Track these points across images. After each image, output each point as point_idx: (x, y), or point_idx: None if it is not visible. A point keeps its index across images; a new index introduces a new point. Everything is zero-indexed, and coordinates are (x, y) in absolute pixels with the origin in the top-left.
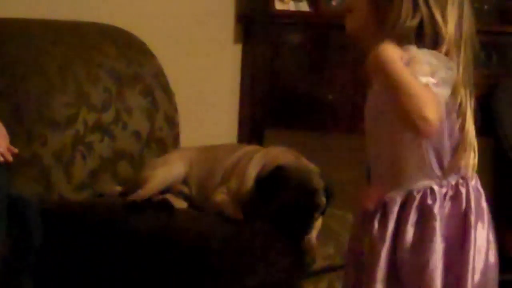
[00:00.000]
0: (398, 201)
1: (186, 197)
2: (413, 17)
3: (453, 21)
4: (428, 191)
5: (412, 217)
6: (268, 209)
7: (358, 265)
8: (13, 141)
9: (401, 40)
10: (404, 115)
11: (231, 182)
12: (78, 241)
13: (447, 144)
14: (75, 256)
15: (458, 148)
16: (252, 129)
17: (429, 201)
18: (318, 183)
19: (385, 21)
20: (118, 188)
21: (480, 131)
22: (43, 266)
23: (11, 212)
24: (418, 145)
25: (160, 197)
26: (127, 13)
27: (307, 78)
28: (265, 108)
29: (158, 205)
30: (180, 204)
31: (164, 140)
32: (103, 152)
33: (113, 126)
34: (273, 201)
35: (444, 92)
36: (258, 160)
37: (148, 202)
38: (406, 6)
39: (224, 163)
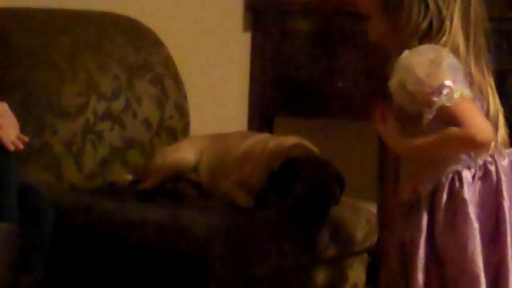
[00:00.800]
0: (429, 189)
1: (196, 185)
2: (424, 18)
3: (460, 11)
4: (456, 176)
5: (444, 204)
6: (282, 203)
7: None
8: (23, 130)
9: (415, 40)
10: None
11: (242, 171)
12: (89, 230)
13: None
14: (85, 245)
15: None
16: (262, 117)
17: (457, 185)
18: (331, 173)
19: (398, 26)
20: (129, 177)
21: None
22: (54, 255)
23: (22, 202)
24: None
25: (171, 185)
26: (137, 2)
27: (317, 66)
28: (275, 96)
29: (169, 194)
30: (190, 192)
31: (174, 128)
32: (114, 140)
33: (123, 114)
34: (287, 195)
35: (467, 91)
36: (270, 150)
37: (159, 191)
38: (417, 9)
39: (235, 151)
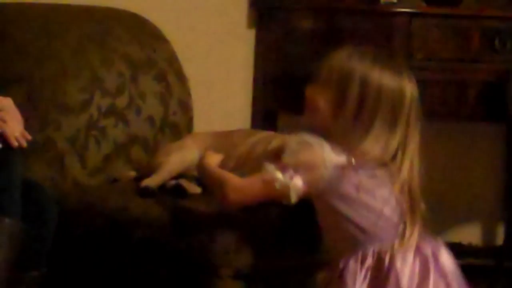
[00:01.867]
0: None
1: (200, 183)
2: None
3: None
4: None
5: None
6: None
7: None
8: (27, 125)
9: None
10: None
11: (246, 168)
12: (92, 226)
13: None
14: (88, 241)
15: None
16: (266, 114)
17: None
18: None
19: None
20: (132, 173)
21: (494, 117)
22: (57, 251)
23: (25, 197)
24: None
25: (174, 182)
26: None
27: (320, 64)
28: (279, 93)
29: (172, 190)
30: (194, 189)
31: (177, 125)
32: (117, 137)
33: (127, 111)
34: None
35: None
36: (272, 148)
37: (162, 187)
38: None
39: (238, 148)
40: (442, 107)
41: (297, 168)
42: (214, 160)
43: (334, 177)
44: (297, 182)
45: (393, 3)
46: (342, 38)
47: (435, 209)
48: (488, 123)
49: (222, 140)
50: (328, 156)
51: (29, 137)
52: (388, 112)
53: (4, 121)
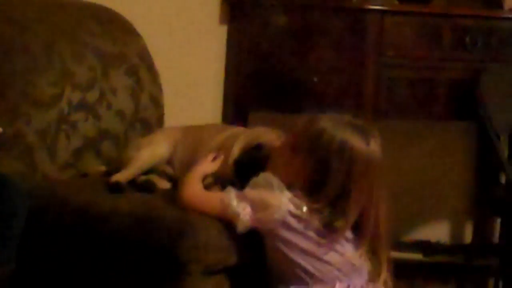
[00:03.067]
0: None
1: (170, 178)
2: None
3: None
4: None
5: None
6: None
7: None
8: None
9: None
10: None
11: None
12: (61, 221)
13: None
14: (58, 236)
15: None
16: (237, 110)
17: None
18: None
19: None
20: (102, 168)
21: (464, 115)
22: (26, 246)
23: None
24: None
25: (144, 177)
26: None
27: (292, 60)
28: (250, 90)
29: (142, 186)
30: (164, 184)
31: (148, 120)
32: (88, 131)
33: (98, 105)
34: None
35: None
36: (242, 140)
37: (132, 183)
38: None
39: (209, 143)
40: (412, 105)
41: (254, 203)
42: (208, 168)
43: (283, 222)
44: (246, 216)
45: (365, 0)
46: (315, 36)
47: (404, 207)
48: (458, 121)
49: (193, 135)
50: (284, 202)
51: (0, 130)
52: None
53: None
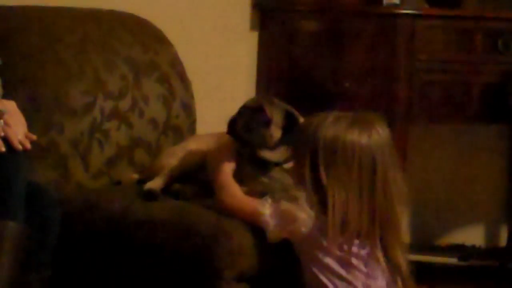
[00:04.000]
0: None
1: (203, 185)
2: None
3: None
4: None
5: None
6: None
7: None
8: (30, 129)
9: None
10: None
11: None
12: (95, 229)
13: None
14: (92, 244)
15: None
16: None
17: None
18: (263, 103)
19: None
20: (135, 176)
21: (497, 118)
22: (61, 254)
23: (29, 201)
24: None
25: (178, 185)
26: (144, 1)
27: (323, 66)
28: (281, 95)
29: (175, 193)
30: (197, 191)
31: (180, 127)
32: (120, 139)
33: (130, 113)
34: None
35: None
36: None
37: (165, 190)
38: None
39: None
40: (445, 109)
41: (284, 214)
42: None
43: (309, 235)
44: (276, 227)
45: (396, 5)
46: (345, 41)
47: (439, 211)
48: (491, 124)
49: (225, 141)
50: (309, 216)
51: (34, 137)
52: None
53: (8, 125)
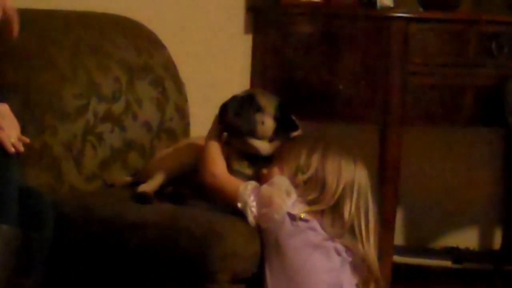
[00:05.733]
0: None
1: (197, 187)
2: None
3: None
4: None
5: None
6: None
7: None
8: (23, 131)
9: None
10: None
11: None
12: (89, 232)
13: None
14: (85, 247)
15: None
16: None
17: None
18: (255, 92)
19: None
20: (129, 179)
21: (491, 122)
22: (54, 257)
23: (22, 204)
24: None
25: (171, 187)
26: (137, 3)
27: (317, 69)
28: None
29: (169, 196)
30: (191, 194)
31: (174, 130)
32: (114, 142)
33: (124, 116)
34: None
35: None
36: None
37: (159, 193)
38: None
39: None
40: (439, 112)
41: (262, 198)
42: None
43: (282, 222)
44: (252, 209)
45: (390, 8)
46: (340, 44)
47: (433, 214)
48: (485, 127)
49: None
50: (286, 204)
51: (27, 140)
52: None
53: (1, 128)
